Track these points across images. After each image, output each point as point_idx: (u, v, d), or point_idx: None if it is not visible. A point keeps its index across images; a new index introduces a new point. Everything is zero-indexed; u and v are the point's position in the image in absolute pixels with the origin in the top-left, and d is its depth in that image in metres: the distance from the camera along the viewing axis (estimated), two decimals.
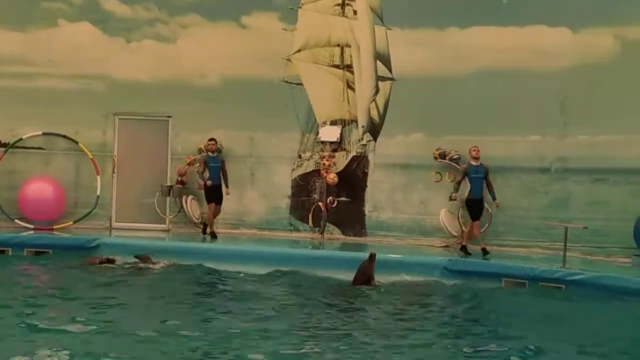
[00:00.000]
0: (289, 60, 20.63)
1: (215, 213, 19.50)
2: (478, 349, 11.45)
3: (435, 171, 19.91)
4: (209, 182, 19.13)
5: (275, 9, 20.83)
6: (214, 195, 19.32)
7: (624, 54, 18.97)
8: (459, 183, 18.02)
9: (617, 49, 19.12)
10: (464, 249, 18.16)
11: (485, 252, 17.76)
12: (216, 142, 19.31)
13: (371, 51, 20.35)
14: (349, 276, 16.02)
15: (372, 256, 16.07)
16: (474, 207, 17.93)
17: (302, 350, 10.99)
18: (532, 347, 11.58)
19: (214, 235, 19.37)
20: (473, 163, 17.86)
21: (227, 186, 19.34)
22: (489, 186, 17.69)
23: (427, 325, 12.95)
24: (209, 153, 19.29)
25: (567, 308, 14.79)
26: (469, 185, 17.88)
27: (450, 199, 18.32)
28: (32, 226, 19.74)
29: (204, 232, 19.64)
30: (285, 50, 20.65)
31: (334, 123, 20.56)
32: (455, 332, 12.72)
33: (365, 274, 15.92)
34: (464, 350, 11.39)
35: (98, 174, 20.59)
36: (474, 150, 17.92)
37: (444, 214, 19.66)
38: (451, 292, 15.73)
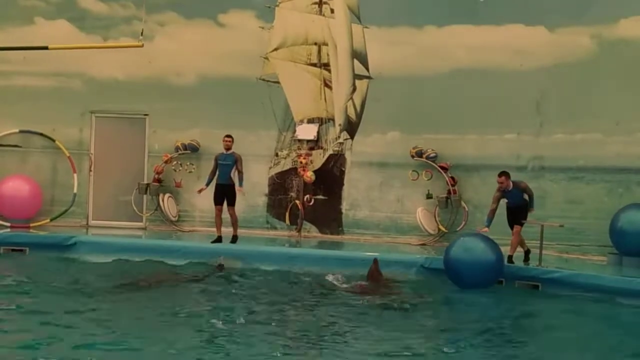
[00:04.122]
0: (266, 58, 20.63)
1: (231, 215, 18.28)
2: (450, 349, 11.50)
3: (412, 169, 19.99)
4: (202, 188, 18.19)
5: (253, 7, 20.80)
6: (220, 196, 18.19)
7: (600, 54, 19.04)
8: (493, 211, 16.44)
9: (594, 49, 19.18)
10: (509, 259, 16.62)
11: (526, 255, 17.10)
12: (232, 140, 18.25)
13: (348, 49, 20.38)
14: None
15: (374, 261, 16.28)
16: (514, 213, 16.74)
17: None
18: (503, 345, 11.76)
19: (218, 240, 18.31)
20: (504, 190, 16.57)
21: (240, 185, 18.00)
22: (530, 197, 16.63)
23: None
24: (224, 150, 18.24)
25: (542, 306, 14.88)
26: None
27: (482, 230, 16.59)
28: (8, 224, 19.65)
29: (218, 241, 18.34)
30: (263, 48, 20.65)
31: (311, 121, 20.59)
32: (428, 330, 12.80)
33: (374, 277, 16.10)
34: (445, 350, 11.44)
35: (75, 171, 20.57)
36: (499, 183, 16.41)
37: (421, 212, 19.75)
38: (428, 290, 15.80)
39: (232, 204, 18.24)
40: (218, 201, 18.26)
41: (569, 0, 19.18)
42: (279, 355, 10.67)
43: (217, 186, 18.23)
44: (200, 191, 18.33)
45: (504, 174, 16.45)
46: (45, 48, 18.58)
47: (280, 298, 14.31)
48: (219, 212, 18.33)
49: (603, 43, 19.03)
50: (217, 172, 18.17)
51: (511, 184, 16.44)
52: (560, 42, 19.28)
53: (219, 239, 18.30)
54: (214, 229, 18.58)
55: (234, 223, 18.29)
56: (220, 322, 12.10)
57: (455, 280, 15.92)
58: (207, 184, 18.22)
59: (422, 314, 13.89)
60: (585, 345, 11.93)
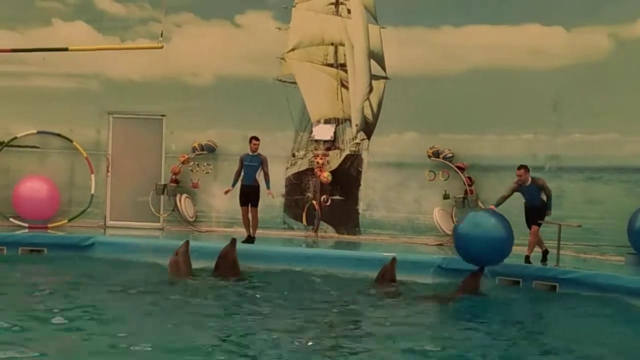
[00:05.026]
0: (282, 59, 20.66)
1: (253, 216, 18.20)
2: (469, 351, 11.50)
3: (429, 170, 19.96)
4: (229, 189, 18.15)
5: (269, 7, 20.84)
6: (245, 197, 18.10)
7: (618, 53, 18.97)
8: (504, 198, 16.37)
9: (611, 48, 19.12)
10: (527, 259, 16.64)
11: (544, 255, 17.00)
12: (259, 142, 18.12)
13: (365, 50, 20.38)
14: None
15: (393, 260, 16.26)
16: (531, 213, 16.62)
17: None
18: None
19: (249, 239, 18.18)
20: (522, 184, 16.48)
21: (268, 187, 17.97)
22: (548, 197, 16.58)
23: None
24: (249, 152, 18.13)
25: (560, 306, 14.84)
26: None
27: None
28: (26, 225, 19.74)
29: (248, 241, 18.21)
30: (279, 49, 20.67)
31: (327, 122, 20.60)
32: (450, 331, 12.80)
33: (386, 277, 16.08)
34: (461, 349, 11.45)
35: (92, 172, 20.63)
36: (518, 176, 16.32)
37: (438, 213, 19.70)
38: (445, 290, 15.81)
39: (255, 205, 18.19)
40: (244, 202, 18.17)
41: None
42: None
43: (242, 187, 18.15)
44: (227, 192, 18.29)
45: (523, 167, 16.40)
46: (66, 49, 18.64)
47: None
48: (245, 213, 18.23)
49: (620, 42, 18.98)
50: (243, 173, 18.10)
51: (529, 178, 16.40)
52: (578, 41, 19.23)
53: (249, 239, 18.26)
54: (231, 229, 18.63)
55: (255, 225, 18.26)
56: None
57: (464, 255, 15.91)
58: (233, 185, 18.16)
59: (438, 314, 13.93)
60: (602, 345, 11.91)
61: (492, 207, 16.27)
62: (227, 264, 16.43)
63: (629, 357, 11.62)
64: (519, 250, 16.79)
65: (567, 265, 16.33)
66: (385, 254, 17.03)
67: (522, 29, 19.55)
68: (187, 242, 16.63)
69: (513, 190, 16.47)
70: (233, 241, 16.71)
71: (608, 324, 13.47)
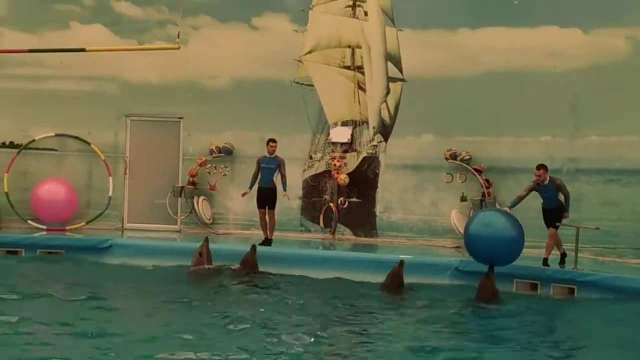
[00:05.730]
0: (299, 61, 20.66)
1: (270, 218, 18.22)
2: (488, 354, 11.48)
3: (446, 172, 19.92)
4: (246, 192, 18.21)
5: (286, 10, 20.86)
6: (263, 199, 18.17)
7: (636, 55, 18.92)
8: (520, 198, 16.43)
9: (629, 50, 19.07)
10: (545, 261, 16.58)
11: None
12: (276, 144, 18.16)
13: (382, 52, 20.36)
14: None
15: (401, 263, 16.16)
16: (548, 215, 16.60)
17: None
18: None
19: (266, 242, 18.18)
20: (539, 183, 16.44)
21: (284, 189, 17.99)
22: (566, 198, 16.52)
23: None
24: (267, 154, 18.17)
25: (578, 309, 14.81)
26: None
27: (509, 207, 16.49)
28: (44, 227, 19.82)
29: (266, 243, 18.20)
30: (296, 51, 20.66)
31: (344, 124, 20.57)
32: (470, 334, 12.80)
33: (395, 280, 16.02)
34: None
35: (110, 175, 20.68)
36: (537, 176, 16.29)
37: (455, 215, 19.63)
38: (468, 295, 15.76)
39: (272, 207, 18.23)
40: (261, 204, 18.22)
41: (603, 1, 19.03)
42: None
43: (260, 189, 18.19)
44: (244, 194, 18.34)
45: (542, 166, 16.38)
46: (83, 50, 18.70)
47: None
48: (262, 215, 18.27)
49: (638, 44, 18.91)
50: (260, 176, 18.14)
51: (547, 177, 16.36)
52: (595, 43, 19.17)
53: (266, 241, 18.28)
54: (249, 232, 18.66)
55: (272, 227, 18.28)
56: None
57: (475, 255, 15.94)
58: (251, 187, 18.20)
59: (454, 318, 13.92)
60: (621, 348, 11.89)
61: (507, 208, 16.28)
62: (248, 269, 16.61)
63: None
64: (536, 253, 16.78)
65: (585, 268, 16.29)
66: (402, 256, 16.98)
67: (539, 31, 19.47)
68: (207, 239, 16.90)
69: (530, 189, 16.47)
70: (253, 247, 16.84)
71: (625, 328, 13.43)
